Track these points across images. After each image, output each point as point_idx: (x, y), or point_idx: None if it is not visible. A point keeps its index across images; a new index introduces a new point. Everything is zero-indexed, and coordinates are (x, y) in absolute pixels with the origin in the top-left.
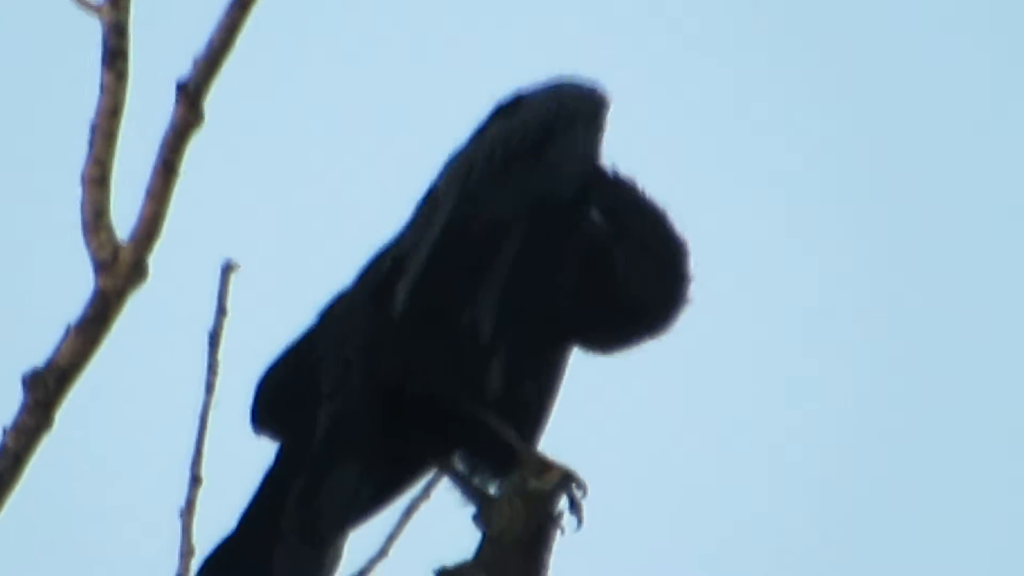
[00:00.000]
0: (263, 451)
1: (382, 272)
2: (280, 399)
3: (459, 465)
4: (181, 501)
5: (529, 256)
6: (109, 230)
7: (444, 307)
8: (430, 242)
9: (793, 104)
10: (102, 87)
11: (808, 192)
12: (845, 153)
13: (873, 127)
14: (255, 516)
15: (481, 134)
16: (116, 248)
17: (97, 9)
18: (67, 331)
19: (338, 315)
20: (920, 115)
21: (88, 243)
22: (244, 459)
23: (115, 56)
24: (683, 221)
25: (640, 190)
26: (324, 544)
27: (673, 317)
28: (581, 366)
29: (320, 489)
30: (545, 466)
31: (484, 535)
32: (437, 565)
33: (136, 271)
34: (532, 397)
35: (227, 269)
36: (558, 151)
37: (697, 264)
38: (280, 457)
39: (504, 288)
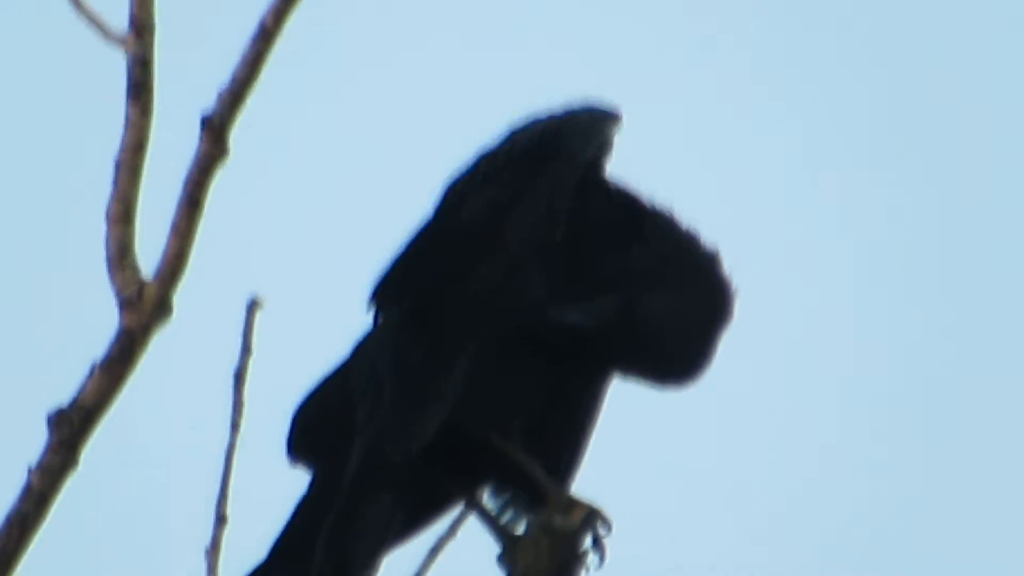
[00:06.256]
0: (289, 490)
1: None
2: (316, 429)
3: (486, 502)
4: (207, 540)
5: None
6: (134, 267)
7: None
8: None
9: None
10: (126, 121)
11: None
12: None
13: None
14: (287, 546)
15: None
16: (141, 285)
17: (122, 41)
18: (92, 369)
19: (371, 344)
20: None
21: (113, 281)
22: (270, 498)
23: (140, 89)
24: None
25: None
26: None
27: (712, 342)
28: (617, 400)
29: (351, 523)
30: (571, 504)
31: (509, 574)
32: None
33: (161, 308)
34: (565, 433)
35: (252, 306)
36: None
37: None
38: (313, 487)
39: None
